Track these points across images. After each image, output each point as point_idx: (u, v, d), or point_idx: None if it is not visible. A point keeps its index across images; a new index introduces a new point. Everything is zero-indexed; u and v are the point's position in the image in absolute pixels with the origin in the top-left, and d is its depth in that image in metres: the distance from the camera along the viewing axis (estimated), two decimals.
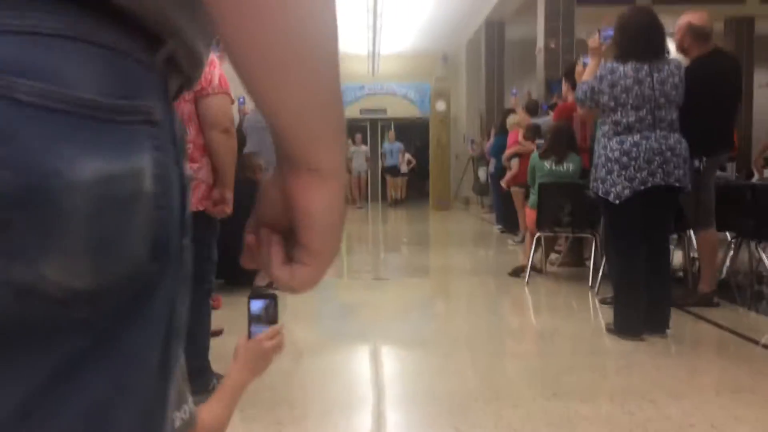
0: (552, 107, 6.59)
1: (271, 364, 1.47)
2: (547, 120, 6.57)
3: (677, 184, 3.40)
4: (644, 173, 3.34)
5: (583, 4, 8.66)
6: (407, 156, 14.80)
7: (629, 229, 3.45)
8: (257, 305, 1.46)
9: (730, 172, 4.86)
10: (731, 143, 4.23)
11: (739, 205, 4.45)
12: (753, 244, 4.63)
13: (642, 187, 3.35)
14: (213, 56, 2.37)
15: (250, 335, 1.44)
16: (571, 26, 8.43)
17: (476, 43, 13.51)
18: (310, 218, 0.55)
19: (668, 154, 3.36)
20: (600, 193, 3.48)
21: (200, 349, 2.47)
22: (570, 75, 5.48)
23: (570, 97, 5.48)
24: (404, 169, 14.81)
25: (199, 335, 2.43)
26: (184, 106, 2.32)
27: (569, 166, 5.07)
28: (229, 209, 2.48)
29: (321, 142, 0.54)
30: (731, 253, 4.82)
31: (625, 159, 3.36)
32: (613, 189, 3.40)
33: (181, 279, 0.52)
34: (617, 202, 3.39)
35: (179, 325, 0.53)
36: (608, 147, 3.43)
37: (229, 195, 2.45)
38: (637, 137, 3.37)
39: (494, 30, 12.49)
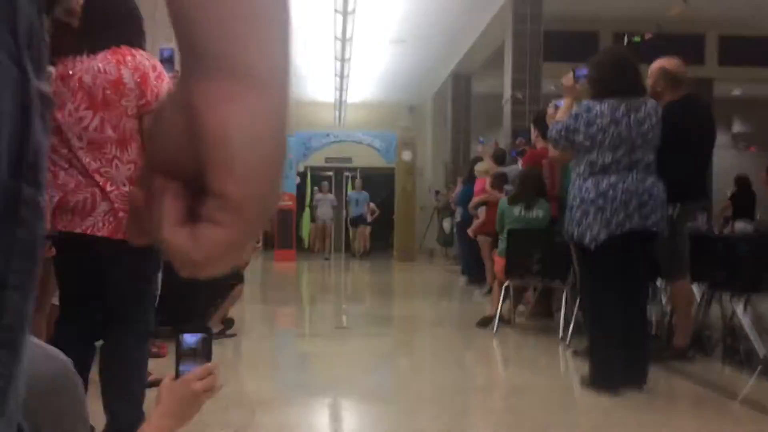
0: (520, 154, 6.51)
1: (199, 410, 1.23)
2: (514, 168, 6.49)
3: (654, 229, 3.26)
4: (621, 216, 3.20)
5: (550, 60, 8.76)
6: (371, 205, 14.25)
7: (605, 275, 3.28)
8: (188, 340, 1.24)
9: (701, 222, 4.77)
10: (705, 191, 4.14)
11: (711, 257, 4.33)
12: (726, 297, 4.51)
13: (619, 231, 3.20)
14: (162, 70, 2.16)
15: (177, 374, 1.21)
16: (538, 78, 8.49)
17: (443, 94, 13.63)
18: (226, 148, 0.36)
19: (645, 196, 3.23)
20: (575, 237, 3.32)
21: (135, 401, 2.17)
22: (539, 122, 5.41)
23: (539, 145, 5.41)
24: (369, 219, 14.23)
25: (134, 383, 2.14)
26: (126, 121, 2.09)
27: (539, 212, 4.94)
28: None
29: (245, 27, 0.36)
30: (703, 305, 4.68)
31: (601, 201, 3.22)
32: (588, 232, 3.24)
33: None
34: (593, 245, 3.23)
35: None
36: (583, 188, 3.29)
37: None
38: (613, 178, 3.23)
39: (461, 83, 12.60)
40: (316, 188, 13.95)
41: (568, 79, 3.65)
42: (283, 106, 0.39)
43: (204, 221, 0.39)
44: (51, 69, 2.34)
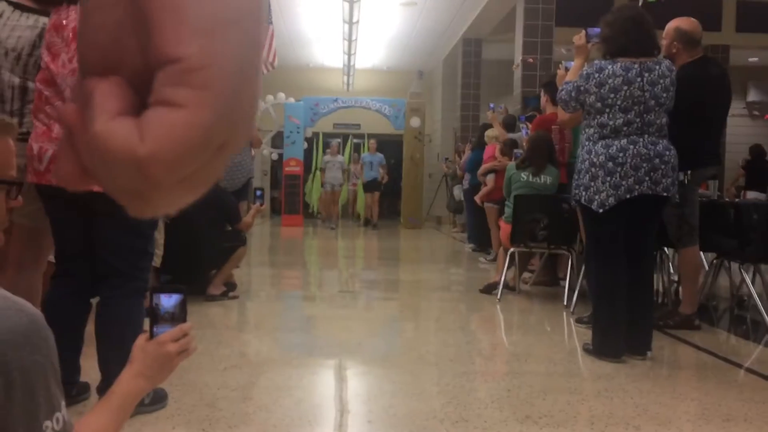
0: (529, 119, 6.41)
1: (172, 371, 1.20)
2: (523, 135, 6.39)
3: (665, 194, 3.17)
4: (631, 181, 3.11)
5: (562, 24, 8.57)
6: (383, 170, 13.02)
7: (611, 240, 3.22)
8: (162, 301, 1.21)
9: (712, 189, 4.68)
10: (718, 157, 4.04)
11: (721, 225, 4.26)
12: (735, 266, 4.44)
13: (628, 196, 3.11)
14: None
15: (152, 335, 1.18)
16: (549, 43, 8.32)
17: (453, 59, 13.43)
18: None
19: (657, 161, 3.13)
20: (582, 201, 3.24)
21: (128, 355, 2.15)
22: (549, 87, 5.30)
23: (549, 109, 5.30)
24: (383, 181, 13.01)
25: (128, 339, 2.11)
26: None
27: (547, 178, 4.87)
28: None
29: None
30: (711, 274, 4.63)
31: (610, 165, 3.13)
32: (596, 197, 3.16)
33: None
34: (601, 210, 3.15)
35: None
36: (593, 151, 3.20)
37: None
38: (624, 141, 3.14)
39: (471, 47, 12.40)
40: (327, 150, 12.94)
41: (579, 39, 3.54)
42: None
43: (155, 106, 0.29)
44: (42, 19, 2.28)
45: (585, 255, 3.57)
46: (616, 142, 3.15)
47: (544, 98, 5.42)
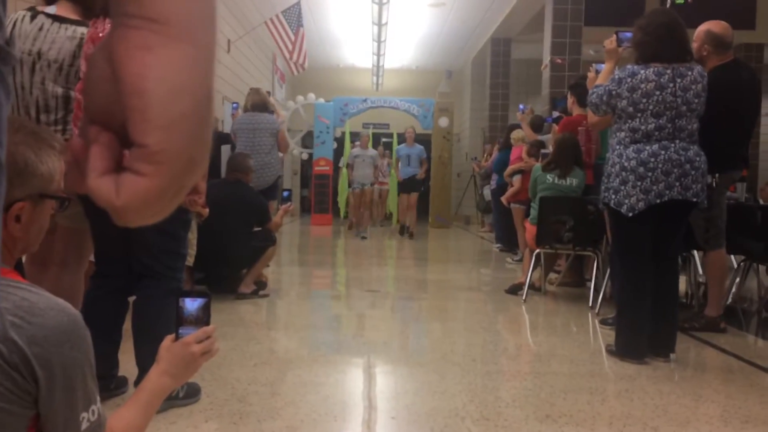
0: (556, 120, 6.42)
1: (196, 371, 1.29)
2: (550, 137, 6.40)
3: (694, 200, 3.19)
4: (661, 186, 3.13)
5: (591, 24, 8.53)
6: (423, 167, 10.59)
7: (639, 244, 3.24)
8: (187, 304, 1.30)
9: (740, 192, 4.66)
10: (746, 161, 4.03)
11: (748, 228, 4.24)
12: (762, 269, 4.42)
13: (658, 201, 3.14)
14: None
15: (177, 337, 1.28)
16: (578, 44, 8.30)
17: (481, 59, 13.42)
18: (144, 98, 0.37)
19: (687, 166, 3.15)
20: (612, 204, 3.26)
21: None
22: (576, 88, 5.32)
23: (576, 111, 5.32)
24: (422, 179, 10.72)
25: (162, 336, 2.22)
26: None
27: (573, 180, 4.89)
28: (201, 200, 2.28)
29: None
30: (739, 277, 4.61)
31: (641, 169, 3.15)
32: (626, 201, 3.19)
33: None
34: (630, 215, 3.18)
35: None
36: (624, 155, 3.22)
37: (202, 185, 2.26)
38: (655, 147, 3.16)
39: (500, 47, 12.40)
40: (357, 143, 10.92)
41: (610, 42, 3.54)
42: (206, 58, 0.39)
43: (127, 171, 0.40)
44: (80, 30, 2.39)
45: (611, 257, 3.59)
46: (647, 147, 3.17)
47: (570, 100, 5.43)
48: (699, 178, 3.18)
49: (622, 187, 3.20)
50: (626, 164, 3.19)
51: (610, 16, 8.91)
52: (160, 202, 0.40)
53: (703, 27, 3.89)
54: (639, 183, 3.15)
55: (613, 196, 3.24)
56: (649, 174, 3.14)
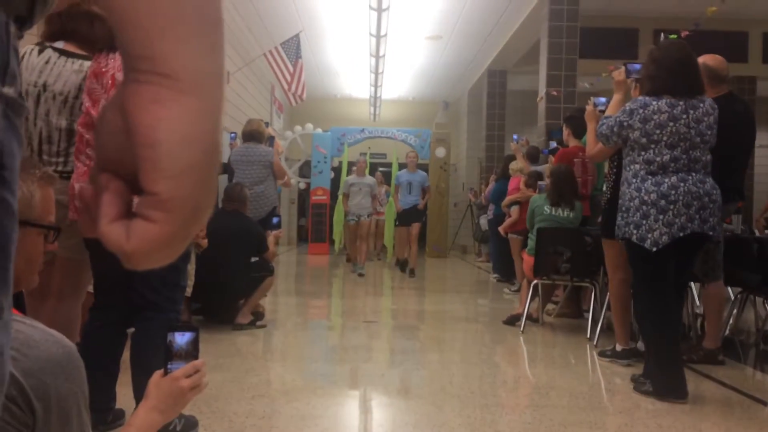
0: (553, 152, 6.47)
1: (185, 406, 1.29)
2: (547, 167, 6.45)
3: (711, 233, 3.17)
4: (683, 218, 3.09)
5: (586, 57, 8.66)
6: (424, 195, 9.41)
7: (663, 278, 3.18)
8: (177, 339, 1.30)
9: (736, 224, 4.68)
10: (741, 193, 4.06)
11: (745, 259, 4.25)
12: (759, 300, 4.43)
13: (681, 234, 3.09)
14: None
15: (166, 372, 1.27)
16: (572, 76, 8.40)
17: (478, 90, 13.56)
18: (156, 149, 0.39)
19: (706, 199, 3.13)
20: (634, 239, 3.18)
21: None
22: (571, 119, 5.38)
23: (571, 143, 5.37)
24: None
25: (156, 368, 2.22)
26: None
27: (570, 212, 4.91)
28: (201, 231, 2.29)
29: (174, 32, 0.38)
30: (736, 309, 4.61)
31: (663, 202, 3.11)
32: (649, 235, 3.13)
33: None
34: (654, 249, 3.13)
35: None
36: (642, 189, 3.17)
37: None
38: (674, 179, 3.13)
39: (496, 78, 12.54)
40: (353, 169, 9.80)
41: (619, 74, 3.54)
42: (213, 111, 0.40)
43: (137, 218, 0.41)
44: (86, 64, 2.42)
45: (634, 293, 3.47)
46: (666, 180, 3.14)
47: (566, 132, 5.48)
48: (716, 212, 3.16)
49: (644, 222, 3.14)
50: (646, 198, 3.14)
51: (605, 49, 9.06)
52: (169, 247, 0.42)
53: (699, 60, 3.94)
54: (661, 216, 3.10)
55: (635, 231, 3.17)
56: (671, 207, 3.10)
